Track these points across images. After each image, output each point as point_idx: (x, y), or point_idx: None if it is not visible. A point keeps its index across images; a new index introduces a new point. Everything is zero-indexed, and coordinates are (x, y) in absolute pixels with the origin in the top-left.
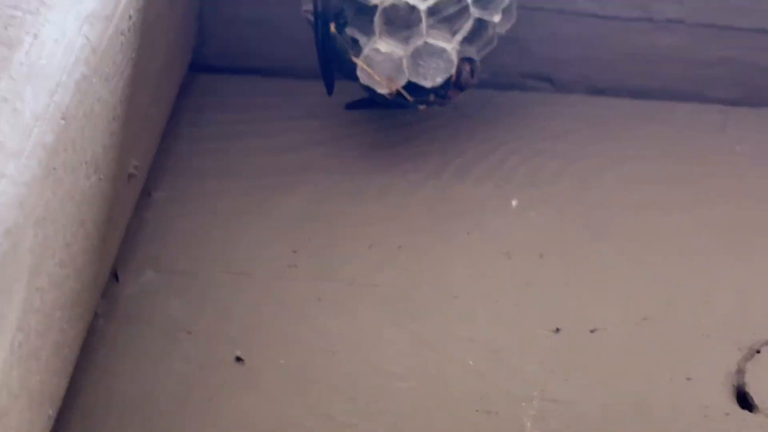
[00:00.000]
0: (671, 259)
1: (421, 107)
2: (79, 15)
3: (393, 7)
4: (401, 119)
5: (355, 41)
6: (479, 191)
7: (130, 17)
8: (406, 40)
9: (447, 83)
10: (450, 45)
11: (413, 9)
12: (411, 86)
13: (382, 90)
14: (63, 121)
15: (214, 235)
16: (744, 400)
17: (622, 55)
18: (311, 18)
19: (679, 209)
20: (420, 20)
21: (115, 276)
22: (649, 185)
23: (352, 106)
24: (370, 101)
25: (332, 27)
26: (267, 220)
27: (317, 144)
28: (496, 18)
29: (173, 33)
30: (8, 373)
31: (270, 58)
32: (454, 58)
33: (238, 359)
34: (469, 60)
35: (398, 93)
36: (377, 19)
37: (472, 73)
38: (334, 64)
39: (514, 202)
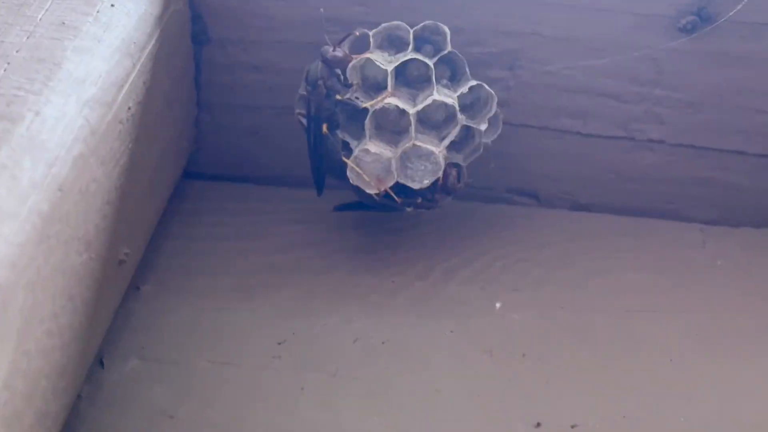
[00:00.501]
0: (652, 363)
1: (409, 209)
2: (80, 98)
3: (383, 110)
4: (388, 226)
5: (345, 144)
6: (464, 293)
7: (129, 108)
8: (395, 143)
9: (434, 186)
10: (437, 149)
11: (403, 113)
12: (399, 188)
13: (371, 190)
14: (59, 193)
15: (200, 327)
16: None
17: (604, 172)
18: (304, 121)
19: (660, 317)
20: (409, 124)
21: (100, 362)
22: (630, 294)
23: (340, 208)
24: (359, 204)
25: (324, 128)
26: (253, 316)
27: (305, 246)
28: (483, 126)
29: (170, 132)
30: None
31: (262, 167)
32: (442, 162)
33: None
34: (456, 165)
35: (386, 194)
36: (368, 122)
37: (458, 177)
38: (325, 164)
39: (498, 305)
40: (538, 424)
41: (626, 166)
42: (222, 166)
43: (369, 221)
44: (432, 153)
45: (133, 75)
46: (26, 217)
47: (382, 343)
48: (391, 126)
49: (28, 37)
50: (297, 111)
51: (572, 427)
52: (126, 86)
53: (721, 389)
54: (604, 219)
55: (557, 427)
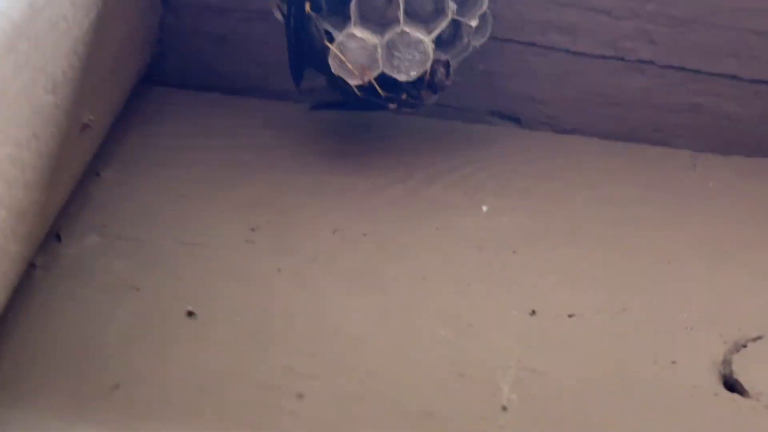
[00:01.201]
0: (648, 264)
1: (392, 106)
2: None
3: None
4: (366, 134)
5: (328, 34)
6: (448, 196)
7: None
8: (381, 30)
9: (420, 82)
10: (427, 38)
11: (390, 0)
12: (384, 81)
13: (354, 80)
14: (29, 9)
15: (165, 210)
16: (733, 388)
17: (591, 94)
18: (283, 8)
19: (654, 227)
20: (398, 9)
21: (57, 236)
22: (621, 206)
23: (318, 106)
24: (338, 103)
25: (307, 6)
26: (222, 203)
27: (277, 147)
28: (473, 22)
29: (136, 16)
30: None
31: (230, 77)
32: (430, 53)
33: (190, 314)
34: (444, 62)
35: (370, 86)
36: (353, 5)
37: (446, 74)
38: (305, 51)
39: (484, 207)
40: (533, 312)
41: (614, 89)
42: (187, 73)
43: (343, 129)
44: (421, 41)
45: None
46: None
47: (363, 234)
48: (377, 17)
49: None
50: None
51: (569, 316)
52: None
53: (720, 290)
54: (589, 142)
55: (554, 316)
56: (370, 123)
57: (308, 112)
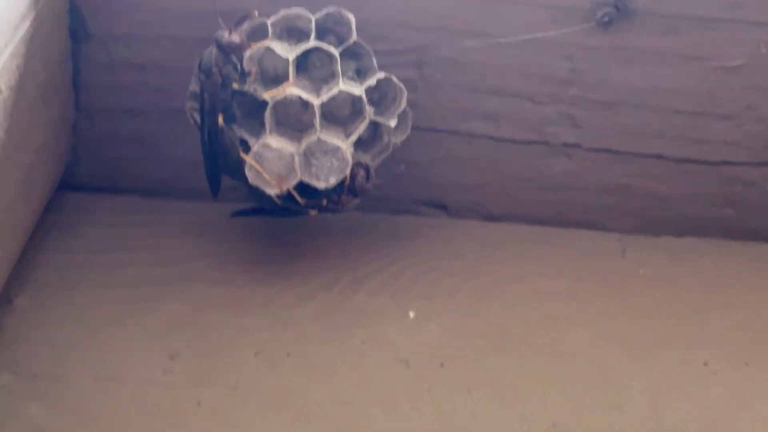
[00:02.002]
0: (577, 369)
1: (313, 212)
2: None
3: (284, 103)
4: (288, 237)
5: (243, 142)
6: (374, 303)
7: (1, 91)
8: (298, 138)
9: (341, 187)
10: (345, 144)
11: (306, 106)
12: (302, 189)
13: (272, 190)
14: None
15: (81, 341)
16: None
17: (518, 180)
18: (196, 116)
19: (582, 324)
20: (313, 116)
21: None
22: (549, 302)
23: (237, 214)
24: (257, 209)
25: (220, 119)
26: (139, 329)
27: (196, 258)
28: (392, 122)
29: (46, 132)
30: None
31: (147, 177)
32: (349, 158)
33: None
34: (363, 165)
35: (289, 194)
36: (268, 114)
37: (367, 177)
38: (221, 162)
39: (411, 314)
40: None
41: (540, 174)
42: (103, 177)
43: (265, 232)
44: (339, 148)
45: (5, 56)
46: None
47: (287, 355)
48: (293, 122)
49: None
50: (189, 106)
51: None
52: None
53: (652, 395)
54: (517, 229)
55: None
56: (292, 224)
57: (228, 214)
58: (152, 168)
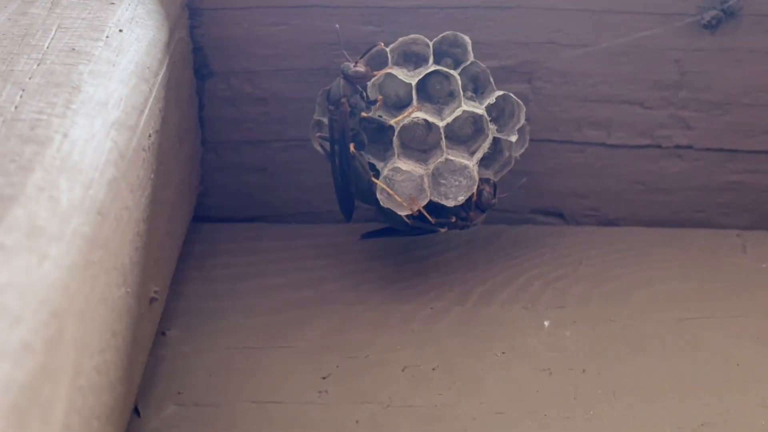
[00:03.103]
0: (717, 368)
1: (443, 230)
2: (105, 121)
3: (408, 127)
4: (415, 253)
5: (372, 166)
6: (508, 314)
7: (149, 136)
8: (425, 159)
9: (468, 203)
10: (471, 162)
11: (430, 128)
12: (431, 208)
13: (404, 211)
14: (99, 216)
15: (235, 367)
16: None
17: (632, 184)
18: (325, 145)
19: (716, 323)
20: (439, 139)
21: (136, 411)
22: (679, 303)
23: (368, 235)
24: (387, 229)
25: (351, 147)
26: (288, 352)
27: (331, 280)
28: (513, 138)
29: (182, 169)
30: None
31: (274, 205)
32: (476, 176)
33: None
34: (488, 181)
35: (419, 214)
36: (396, 139)
37: (493, 192)
38: (353, 188)
39: (546, 323)
40: None
41: (654, 176)
42: (231, 207)
43: (392, 251)
44: (466, 167)
45: (151, 100)
46: (71, 239)
47: (433, 369)
48: (417, 144)
49: (38, 64)
50: (316, 135)
51: None
52: (146, 111)
53: None
54: (635, 232)
55: None
56: (417, 241)
57: (357, 235)
58: (277, 195)
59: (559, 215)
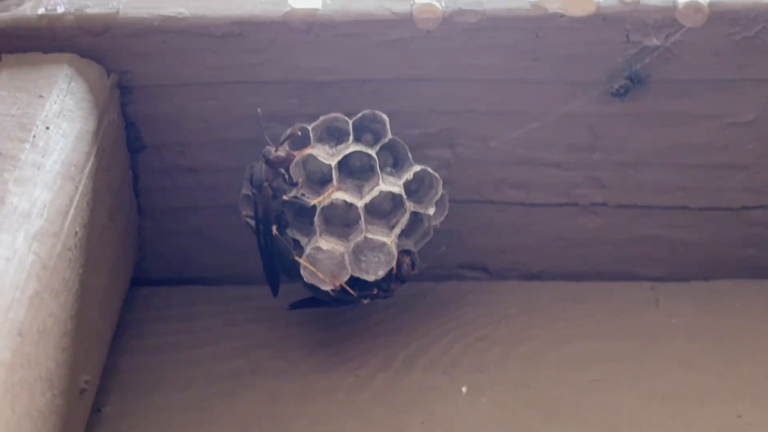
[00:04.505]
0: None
1: (365, 301)
2: (27, 233)
3: (332, 206)
4: (343, 317)
5: (296, 242)
6: (429, 380)
7: (76, 233)
8: (346, 236)
9: (389, 276)
10: (389, 239)
11: (351, 206)
12: (354, 281)
13: (326, 287)
14: (19, 337)
15: None
16: None
17: (551, 239)
18: (251, 222)
19: (623, 385)
20: (359, 217)
21: None
22: (591, 363)
23: (295, 305)
24: (314, 299)
25: (274, 229)
26: (218, 427)
27: (262, 347)
28: (431, 210)
29: (116, 246)
30: None
31: (209, 267)
32: (395, 251)
33: None
34: (408, 252)
35: (342, 289)
36: (317, 219)
37: (412, 264)
38: (278, 265)
39: (464, 389)
40: None
41: (572, 232)
42: (168, 270)
43: (321, 316)
44: (384, 244)
45: (77, 198)
46: None
47: None
48: (340, 219)
49: None
50: (243, 213)
51: None
52: (71, 212)
53: None
54: (555, 286)
55: None
56: (346, 309)
57: (288, 297)
58: (212, 258)
59: (484, 269)
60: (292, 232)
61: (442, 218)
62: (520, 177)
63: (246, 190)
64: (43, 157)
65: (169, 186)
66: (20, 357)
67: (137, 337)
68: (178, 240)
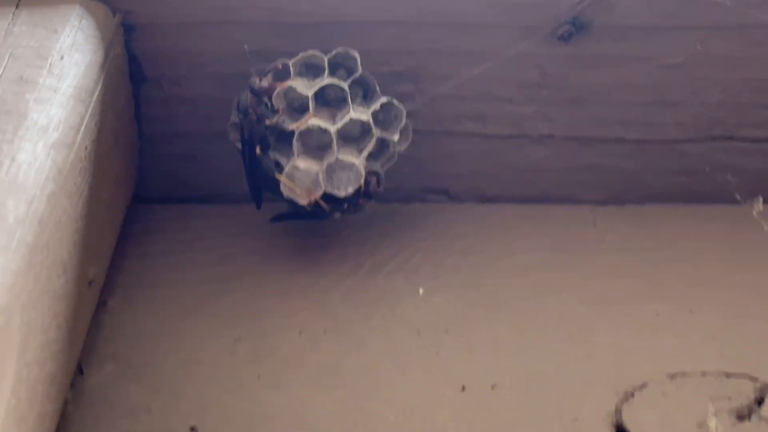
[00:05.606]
0: (556, 328)
1: (337, 215)
2: (46, 143)
3: (308, 131)
4: (319, 232)
5: (277, 163)
6: (391, 284)
7: (86, 147)
8: (320, 157)
9: (357, 193)
10: (357, 160)
11: (325, 131)
12: (327, 198)
13: (303, 201)
14: (39, 226)
15: (164, 332)
16: None
17: (504, 167)
18: (239, 145)
19: (560, 289)
20: (331, 140)
21: (80, 369)
22: (533, 271)
23: (276, 219)
24: (292, 214)
25: (258, 150)
26: (209, 319)
27: (247, 254)
28: (395, 137)
29: (119, 164)
30: (6, 430)
31: (202, 188)
32: (362, 171)
33: (192, 429)
34: (375, 173)
35: (316, 203)
36: (295, 141)
37: (378, 183)
38: (261, 182)
39: (421, 290)
40: (463, 388)
41: (522, 161)
42: (165, 189)
43: (300, 229)
44: (353, 164)
45: (87, 118)
46: (15, 248)
47: (324, 332)
48: (315, 144)
49: None
50: (231, 137)
51: (492, 387)
52: (82, 129)
53: (612, 343)
54: (507, 208)
55: (480, 389)
56: (321, 222)
57: (269, 214)
58: (205, 179)
59: (445, 193)
60: (273, 155)
61: (406, 145)
62: (477, 111)
63: (234, 118)
64: (58, 81)
65: (167, 114)
66: (41, 242)
67: (138, 245)
68: (174, 162)
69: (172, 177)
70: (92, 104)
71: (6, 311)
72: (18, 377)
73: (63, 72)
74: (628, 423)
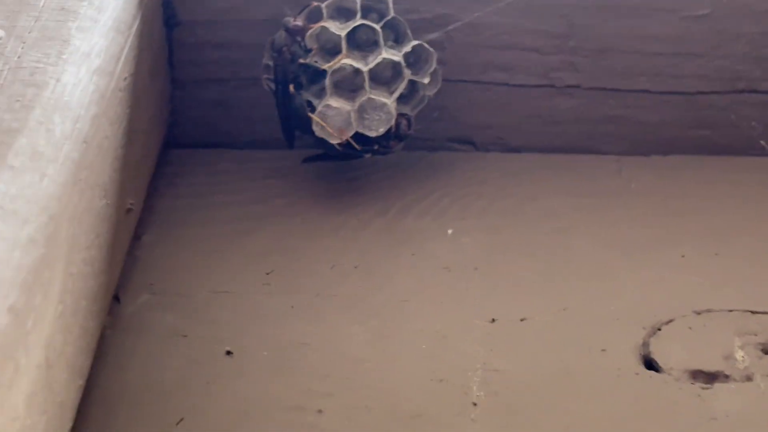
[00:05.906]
0: (583, 267)
1: (367, 155)
2: (89, 68)
3: (340, 70)
4: (349, 174)
5: (309, 103)
6: (419, 224)
7: (125, 78)
8: (352, 98)
9: (388, 134)
10: (389, 100)
11: (357, 72)
12: (358, 138)
13: (334, 140)
14: (84, 144)
15: (197, 266)
16: (650, 366)
17: (530, 117)
18: (272, 85)
19: (586, 232)
20: (363, 81)
21: (116, 298)
22: (559, 215)
23: (308, 160)
24: (324, 155)
25: (291, 88)
26: (241, 254)
27: (278, 196)
28: (426, 80)
29: (154, 103)
30: (52, 336)
31: (232, 133)
32: (394, 112)
33: (228, 353)
34: (405, 115)
35: (348, 143)
36: (327, 81)
37: (408, 125)
38: (293, 121)
39: (449, 231)
40: (493, 320)
41: (548, 111)
42: (196, 135)
43: (330, 172)
44: (385, 104)
45: (126, 49)
46: (63, 162)
47: (355, 267)
48: (348, 84)
49: (36, 21)
50: (264, 77)
51: (521, 320)
52: (122, 59)
53: (638, 283)
54: (532, 158)
55: (509, 321)
56: (351, 165)
57: (299, 159)
58: (234, 125)
59: (471, 143)
60: (305, 95)
61: (436, 90)
62: (504, 60)
63: (267, 60)
64: (98, 13)
65: (199, 59)
66: (85, 160)
67: (170, 186)
68: (205, 108)
69: (203, 123)
70: (131, 37)
71: (55, 220)
72: (64, 287)
73: (102, 4)
74: (655, 355)
